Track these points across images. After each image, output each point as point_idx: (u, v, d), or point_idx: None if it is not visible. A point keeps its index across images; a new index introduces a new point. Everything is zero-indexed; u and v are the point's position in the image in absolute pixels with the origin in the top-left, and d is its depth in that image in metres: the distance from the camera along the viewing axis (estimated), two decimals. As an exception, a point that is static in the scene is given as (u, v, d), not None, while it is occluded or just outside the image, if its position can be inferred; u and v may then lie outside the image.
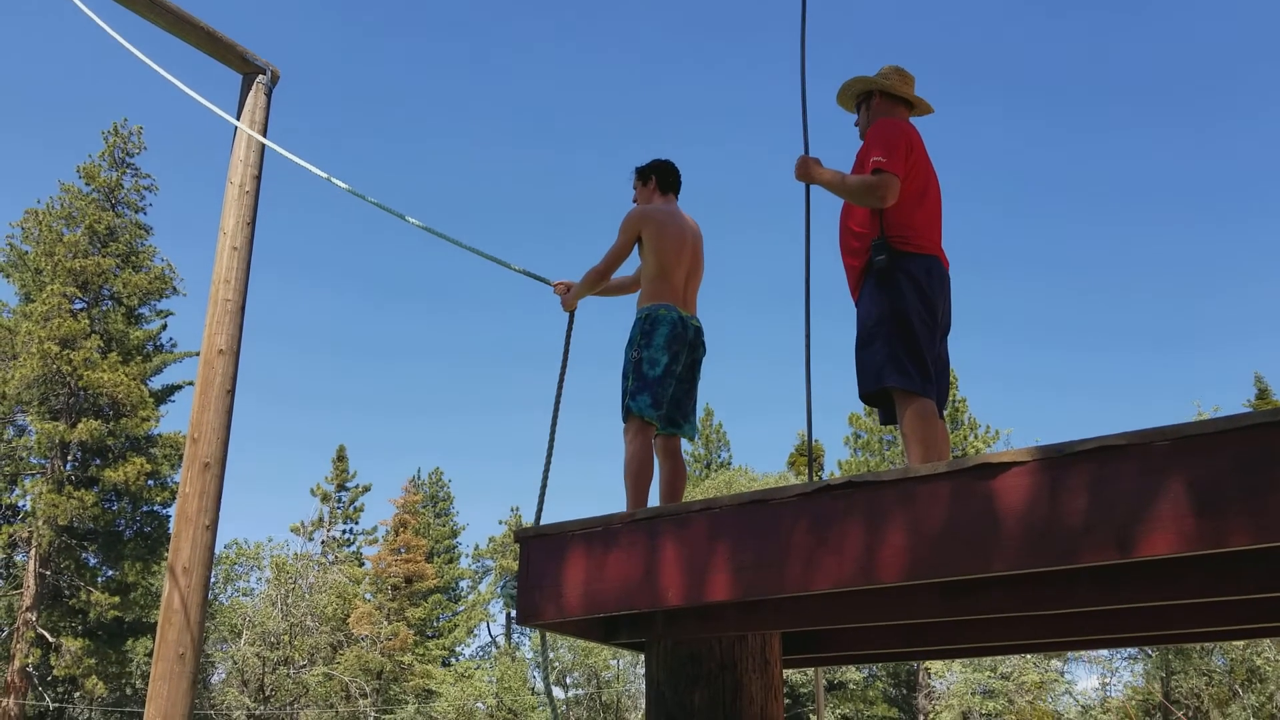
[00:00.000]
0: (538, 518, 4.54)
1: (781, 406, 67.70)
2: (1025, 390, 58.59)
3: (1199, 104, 57.27)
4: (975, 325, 52.54)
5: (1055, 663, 29.46)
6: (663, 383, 4.62)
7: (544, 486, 4.75)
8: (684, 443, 4.91)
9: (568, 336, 5.17)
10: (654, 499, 4.62)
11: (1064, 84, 60.79)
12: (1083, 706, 30.45)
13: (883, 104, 4.32)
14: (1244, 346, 54.03)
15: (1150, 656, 27.51)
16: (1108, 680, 31.33)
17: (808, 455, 4.56)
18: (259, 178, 7.22)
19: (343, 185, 6.23)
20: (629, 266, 5.07)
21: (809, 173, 4.23)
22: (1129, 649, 28.27)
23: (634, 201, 5.12)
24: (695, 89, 65.68)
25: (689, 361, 4.80)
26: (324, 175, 6.30)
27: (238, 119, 7.24)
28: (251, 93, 7.39)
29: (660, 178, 5.08)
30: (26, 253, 28.09)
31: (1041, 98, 60.76)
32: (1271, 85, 54.83)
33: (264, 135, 7.25)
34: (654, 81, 67.51)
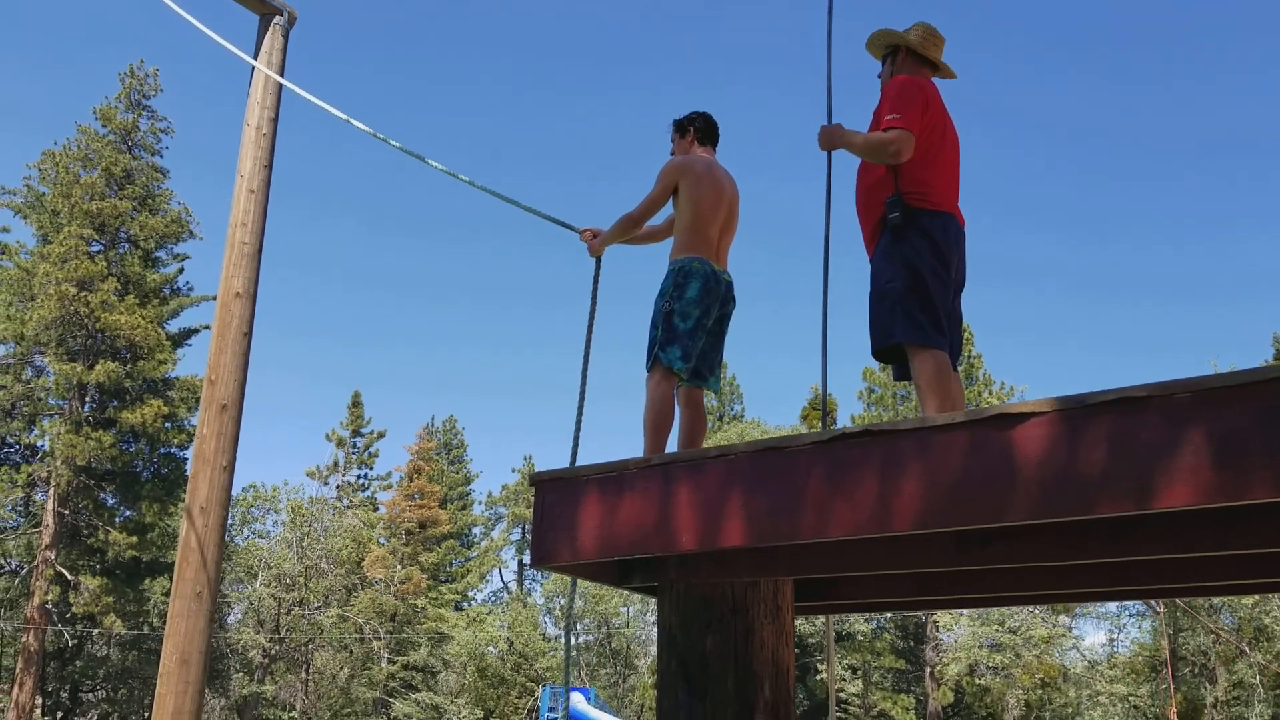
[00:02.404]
0: (573, 459, 4.62)
1: (795, 360, 67.66)
2: (1041, 346, 58.37)
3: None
4: (994, 280, 52.19)
5: (1063, 618, 29.63)
6: (694, 336, 4.62)
7: (578, 428, 4.81)
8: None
9: (595, 282, 5.15)
10: (672, 449, 4.64)
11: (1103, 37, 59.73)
12: (1089, 661, 30.68)
13: (908, 61, 4.27)
14: (1264, 308, 53.60)
15: (1158, 613, 27.62)
16: (1115, 636, 31.54)
17: (821, 409, 4.55)
18: (276, 120, 7.18)
19: (363, 127, 6.19)
20: (659, 215, 5.05)
21: (833, 139, 4.18)
22: (1136, 604, 28.38)
23: (671, 154, 5.07)
24: (726, 30, 65.02)
25: (719, 316, 4.80)
26: (344, 117, 6.26)
27: (254, 61, 7.19)
28: (268, 34, 7.33)
29: (699, 130, 5.03)
30: (44, 194, 28.08)
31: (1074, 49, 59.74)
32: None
33: (281, 77, 7.20)
34: (687, 21, 66.81)
